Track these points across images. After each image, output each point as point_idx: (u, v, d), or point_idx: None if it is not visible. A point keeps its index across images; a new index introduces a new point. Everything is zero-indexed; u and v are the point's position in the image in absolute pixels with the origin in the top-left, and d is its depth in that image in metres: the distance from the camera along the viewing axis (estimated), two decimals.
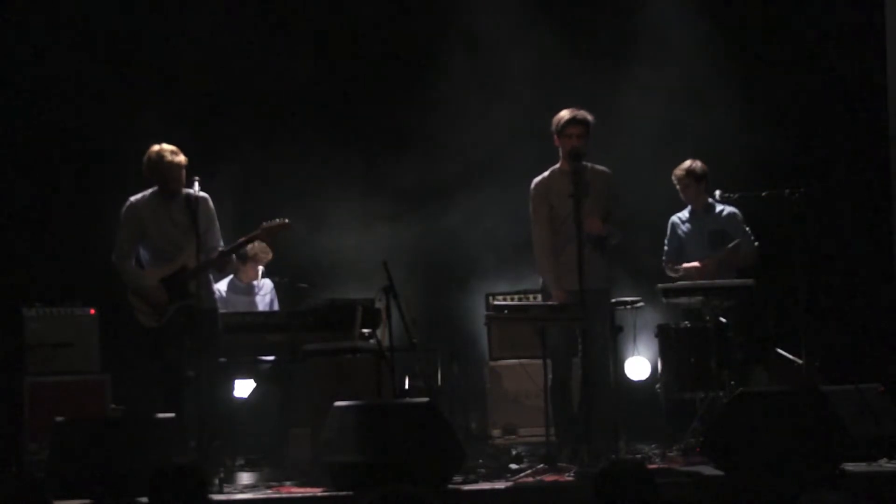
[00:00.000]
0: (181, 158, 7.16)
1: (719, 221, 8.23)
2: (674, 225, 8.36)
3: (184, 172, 7.16)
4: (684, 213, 8.34)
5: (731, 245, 8.05)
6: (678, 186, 8.21)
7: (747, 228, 8.21)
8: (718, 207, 8.24)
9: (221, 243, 7.34)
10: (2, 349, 8.41)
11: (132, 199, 7.29)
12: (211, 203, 7.29)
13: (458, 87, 9.26)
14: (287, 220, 7.26)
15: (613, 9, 9.57)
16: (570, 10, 9.57)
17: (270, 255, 8.62)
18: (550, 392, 7.16)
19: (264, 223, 7.25)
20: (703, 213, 8.26)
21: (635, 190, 8.37)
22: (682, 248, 8.31)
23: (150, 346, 7.19)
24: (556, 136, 7.37)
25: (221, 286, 8.57)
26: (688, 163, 8.18)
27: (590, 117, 7.34)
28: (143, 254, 7.30)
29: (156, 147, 7.19)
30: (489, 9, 9.33)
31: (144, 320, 7.17)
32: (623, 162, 8.16)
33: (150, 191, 7.29)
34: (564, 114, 7.34)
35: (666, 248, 8.36)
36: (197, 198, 7.16)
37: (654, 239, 8.57)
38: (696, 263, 8.09)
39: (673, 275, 8.19)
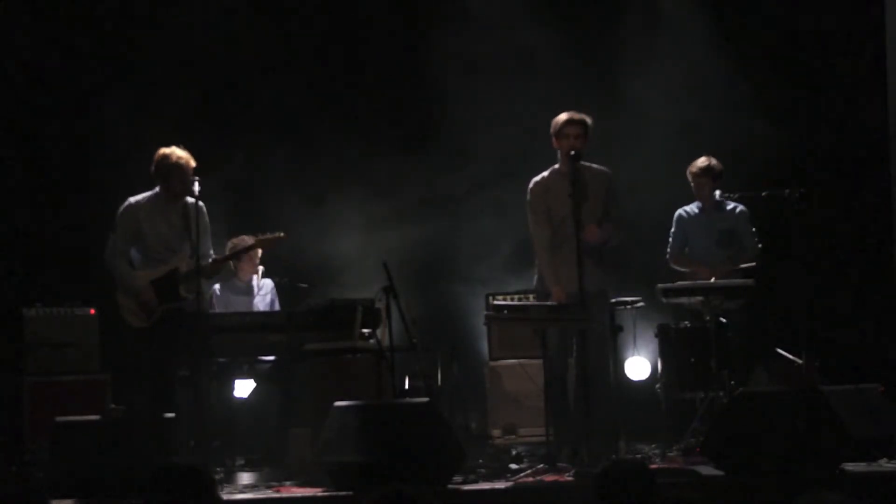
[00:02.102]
0: (191, 163, 7.27)
1: (729, 220, 8.16)
2: (680, 218, 8.27)
3: (190, 177, 7.23)
4: (692, 208, 8.25)
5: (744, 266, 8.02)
6: (692, 183, 8.13)
7: (753, 229, 8.19)
8: (730, 205, 8.18)
9: (212, 252, 7.48)
10: (2, 349, 8.41)
11: (131, 199, 7.39)
12: (206, 213, 7.42)
13: (461, 89, 9.26)
14: (282, 234, 7.44)
15: (614, 10, 9.54)
16: (574, 13, 9.57)
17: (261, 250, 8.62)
18: (547, 391, 7.16)
19: (260, 235, 7.46)
20: (713, 211, 8.18)
21: (639, 189, 8.38)
22: (687, 243, 8.26)
23: (137, 345, 7.29)
24: (554, 139, 7.39)
25: (219, 286, 8.56)
26: (705, 160, 8.08)
27: (588, 119, 7.36)
28: (135, 254, 7.39)
29: (168, 148, 7.28)
30: (498, 10, 9.33)
31: (131, 319, 7.26)
32: (625, 161, 8.17)
33: (150, 192, 7.39)
34: (563, 115, 7.37)
35: (671, 241, 8.29)
36: (195, 205, 7.28)
37: (655, 239, 8.58)
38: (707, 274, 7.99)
39: (681, 269, 8.16)
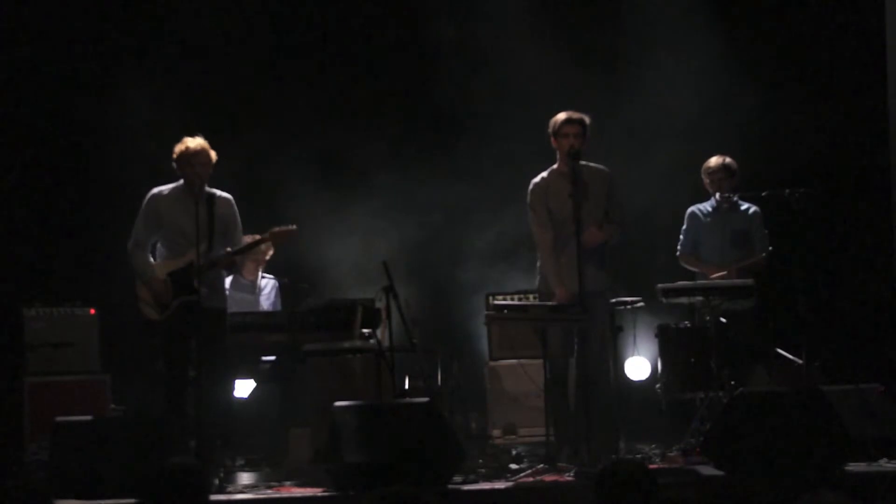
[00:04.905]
0: (207, 153, 7.17)
1: (743, 220, 8.12)
2: (693, 216, 8.20)
3: (205, 167, 7.16)
4: (706, 206, 8.18)
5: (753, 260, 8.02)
6: (707, 181, 8.08)
7: (766, 231, 8.17)
8: (744, 205, 8.15)
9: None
10: (2, 349, 8.41)
11: (155, 189, 7.29)
12: (234, 204, 7.32)
13: (462, 89, 9.27)
14: (295, 227, 7.29)
15: (620, 12, 9.55)
16: (572, 17, 9.58)
17: (271, 252, 8.62)
18: (547, 391, 7.16)
19: (274, 228, 7.29)
20: (727, 210, 8.14)
21: (640, 190, 8.38)
22: (698, 241, 8.21)
23: (152, 339, 7.20)
24: (552, 138, 7.38)
25: (225, 283, 8.56)
26: (720, 158, 8.04)
27: (586, 118, 7.34)
28: (160, 246, 7.31)
29: (187, 139, 7.19)
30: (502, 14, 9.33)
31: (148, 312, 7.18)
32: (627, 162, 8.17)
33: (174, 184, 7.28)
34: (561, 115, 7.35)
35: (682, 238, 8.22)
36: (221, 197, 7.20)
37: (655, 239, 8.55)
38: (722, 273, 7.97)
39: (690, 268, 8.13)
